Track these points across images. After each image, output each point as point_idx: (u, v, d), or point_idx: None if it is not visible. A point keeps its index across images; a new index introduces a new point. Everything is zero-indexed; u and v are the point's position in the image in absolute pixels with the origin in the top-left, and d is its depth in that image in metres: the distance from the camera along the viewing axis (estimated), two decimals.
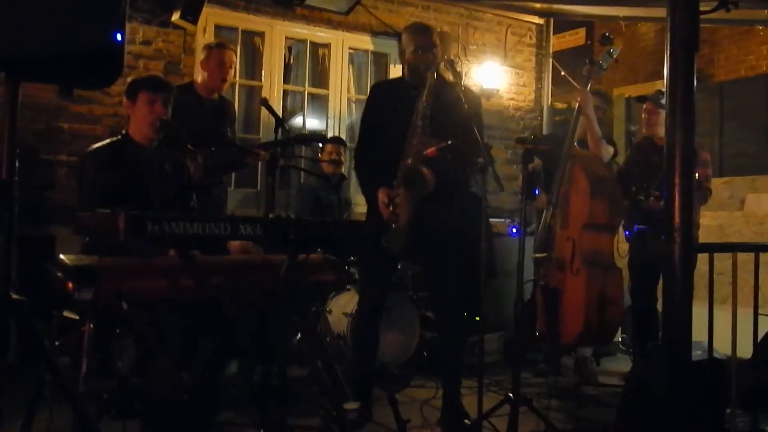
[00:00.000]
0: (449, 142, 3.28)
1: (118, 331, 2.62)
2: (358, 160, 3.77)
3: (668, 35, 2.66)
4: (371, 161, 3.63)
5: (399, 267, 4.57)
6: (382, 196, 3.44)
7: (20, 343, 2.06)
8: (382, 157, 3.51)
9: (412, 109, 3.46)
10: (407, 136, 3.45)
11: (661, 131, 4.32)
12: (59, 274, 2.52)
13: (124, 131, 3.24)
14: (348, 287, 4.56)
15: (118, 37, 1.99)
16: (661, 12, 3.07)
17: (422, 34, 3.61)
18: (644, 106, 4.71)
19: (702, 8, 2.86)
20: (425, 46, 3.54)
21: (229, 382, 3.26)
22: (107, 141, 3.23)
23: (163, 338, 2.74)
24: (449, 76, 3.59)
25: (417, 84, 3.53)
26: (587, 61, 4.48)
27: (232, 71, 4.61)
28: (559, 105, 7.42)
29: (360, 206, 5.94)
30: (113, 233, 2.30)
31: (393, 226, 3.40)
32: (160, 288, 2.49)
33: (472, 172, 3.68)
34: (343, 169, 5.51)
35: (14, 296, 2.00)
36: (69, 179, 5.16)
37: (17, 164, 1.97)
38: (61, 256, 2.60)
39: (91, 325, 2.56)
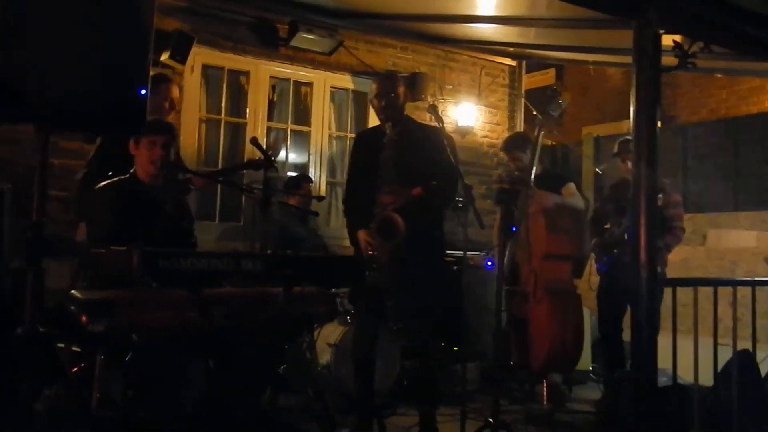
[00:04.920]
0: (434, 183, 3.53)
1: (127, 359, 2.77)
2: (344, 205, 4.05)
3: (634, 91, 2.94)
4: (352, 205, 3.92)
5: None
6: (362, 236, 3.68)
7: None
8: (363, 201, 3.78)
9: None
10: (378, 184, 3.70)
11: None
12: (72, 307, 2.68)
13: (132, 170, 3.42)
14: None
15: (142, 91, 2.20)
16: (626, 59, 3.35)
17: (381, 81, 3.87)
18: (627, 156, 4.94)
19: (664, 61, 3.16)
20: (379, 93, 3.78)
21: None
22: (115, 179, 3.41)
23: (166, 369, 2.90)
24: (428, 119, 3.86)
25: (386, 129, 3.77)
26: (534, 112, 4.78)
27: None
28: None
29: (330, 239, 6.12)
30: (127, 269, 2.48)
31: (374, 266, 3.62)
32: (168, 320, 2.67)
33: (446, 210, 3.93)
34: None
35: (41, 329, 2.17)
36: (58, 213, 5.29)
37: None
38: (73, 291, 2.76)
39: (102, 357, 2.71)
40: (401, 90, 3.81)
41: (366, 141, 4.01)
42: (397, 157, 3.68)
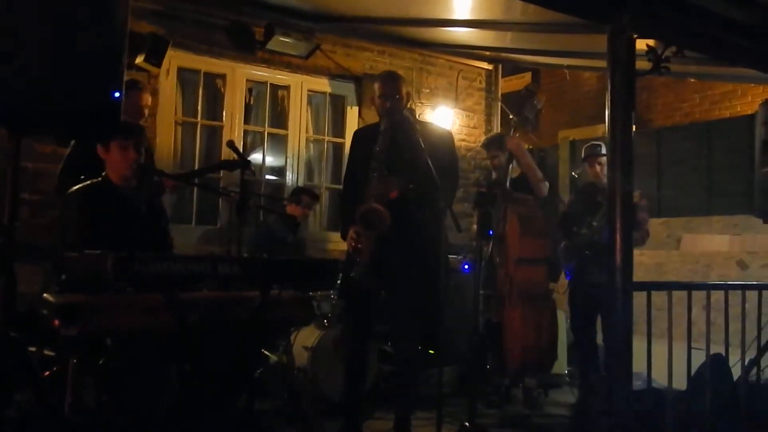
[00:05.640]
0: (410, 185, 3.53)
1: (101, 363, 2.74)
2: (340, 202, 4.05)
3: (609, 96, 2.96)
4: (348, 202, 3.90)
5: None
6: (351, 233, 3.67)
7: None
8: (357, 198, 3.76)
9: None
10: (368, 179, 3.70)
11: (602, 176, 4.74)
12: (44, 311, 2.64)
13: (104, 174, 3.39)
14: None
15: (116, 94, 2.17)
16: (601, 63, 3.37)
17: (387, 81, 3.89)
18: (595, 159, 5.00)
19: (638, 65, 3.19)
20: (384, 94, 3.82)
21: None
22: (87, 182, 3.37)
23: (140, 373, 2.87)
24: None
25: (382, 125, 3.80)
26: (511, 115, 4.83)
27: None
28: None
29: (309, 242, 6.12)
30: (102, 273, 2.45)
31: (358, 260, 3.63)
32: (143, 324, 2.64)
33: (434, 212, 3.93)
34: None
35: (12, 334, 2.14)
36: (31, 217, 5.22)
37: None
38: (45, 295, 2.73)
39: (74, 361, 2.67)
40: (404, 92, 3.86)
41: (363, 138, 4.03)
42: (388, 148, 3.70)
